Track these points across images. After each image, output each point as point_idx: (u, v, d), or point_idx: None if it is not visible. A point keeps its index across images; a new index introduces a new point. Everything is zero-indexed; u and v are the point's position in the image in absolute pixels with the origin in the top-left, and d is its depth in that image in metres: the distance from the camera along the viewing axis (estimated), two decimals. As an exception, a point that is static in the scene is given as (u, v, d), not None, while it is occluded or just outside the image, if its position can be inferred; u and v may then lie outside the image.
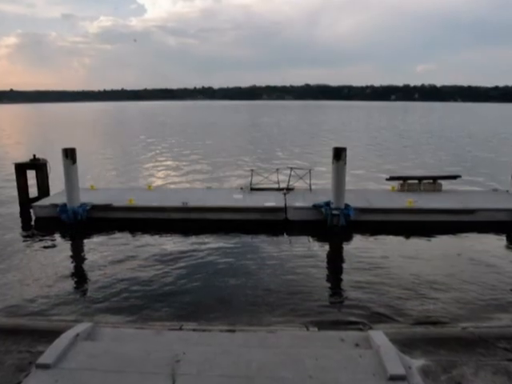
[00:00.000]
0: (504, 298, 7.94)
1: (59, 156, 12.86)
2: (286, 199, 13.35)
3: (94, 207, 12.81)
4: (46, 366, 4.64)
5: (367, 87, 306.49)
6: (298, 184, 14.97)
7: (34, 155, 15.35)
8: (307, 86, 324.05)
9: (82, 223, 12.43)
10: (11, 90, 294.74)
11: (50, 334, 5.47)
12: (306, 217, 12.61)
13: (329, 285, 8.93)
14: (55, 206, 12.81)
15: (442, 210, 12.66)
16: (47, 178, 15.37)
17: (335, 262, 10.44)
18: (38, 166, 15.13)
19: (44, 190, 15.17)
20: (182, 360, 4.83)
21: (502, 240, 11.45)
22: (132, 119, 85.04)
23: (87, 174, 20.11)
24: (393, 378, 4.47)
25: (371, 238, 11.49)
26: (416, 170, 21.93)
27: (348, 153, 12.44)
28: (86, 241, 11.51)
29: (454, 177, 16.11)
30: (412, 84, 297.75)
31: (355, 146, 31.36)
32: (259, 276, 9.00)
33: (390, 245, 11.13)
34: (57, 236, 11.89)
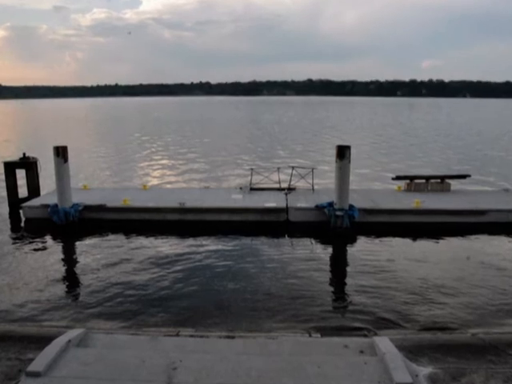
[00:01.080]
0: (515, 302, 7.94)
1: (50, 154, 12.86)
2: (287, 199, 13.35)
3: (87, 208, 12.80)
4: (36, 374, 4.64)
5: (372, 82, 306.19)
6: (299, 184, 14.97)
7: (24, 153, 15.35)
8: (309, 80, 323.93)
9: (73, 224, 12.42)
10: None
11: (41, 341, 5.47)
12: (309, 218, 12.60)
13: (332, 289, 8.94)
14: (46, 206, 12.80)
15: (451, 210, 12.66)
16: (37, 177, 15.37)
17: (339, 265, 10.45)
18: (28, 164, 15.13)
19: (34, 189, 15.17)
20: (179, 368, 4.83)
21: (513, 242, 11.45)
22: (126, 116, 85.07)
23: (79, 173, 20.12)
24: (399, 386, 4.47)
25: (376, 240, 11.49)
26: (423, 168, 21.94)
27: (352, 151, 12.44)
28: (78, 243, 11.51)
29: (463, 176, 16.12)
30: (419, 79, 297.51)
31: (360, 144, 31.38)
32: (259, 280, 9.00)
33: (396, 247, 11.13)
34: (48, 238, 11.88)
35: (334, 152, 12.61)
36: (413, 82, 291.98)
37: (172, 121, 66.00)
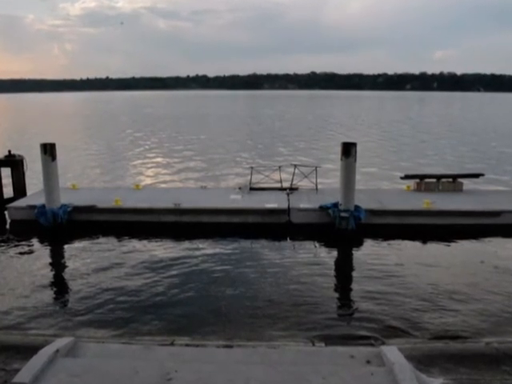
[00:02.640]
0: (532, 309, 7.94)
1: (37, 152, 12.87)
2: (289, 200, 13.36)
3: (76, 209, 12.82)
4: (22, 386, 4.64)
5: (379, 75, 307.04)
6: (302, 183, 14.99)
7: (9, 151, 15.36)
8: (313, 74, 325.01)
9: (62, 226, 12.42)
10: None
11: (27, 350, 5.48)
12: (312, 219, 12.62)
13: (337, 295, 8.94)
14: (33, 207, 12.81)
15: (463, 211, 12.67)
16: (24, 176, 15.38)
17: (344, 269, 10.45)
18: (14, 162, 15.14)
19: (20, 189, 15.19)
20: (174, 378, 4.82)
21: (529, 245, 11.46)
22: (118, 111, 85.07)
23: (68, 171, 20.11)
24: (408, 398, 4.46)
25: (384, 243, 11.50)
26: (434, 167, 21.96)
27: (358, 148, 12.43)
28: (66, 246, 11.52)
29: (477, 175, 16.11)
30: (430, 72, 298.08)
31: (366, 141, 31.41)
32: (259, 285, 9.00)
33: (405, 251, 11.14)
34: (34, 241, 11.89)
35: (338, 149, 12.61)
36: (423, 75, 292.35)
37: (166, 116, 65.99)
